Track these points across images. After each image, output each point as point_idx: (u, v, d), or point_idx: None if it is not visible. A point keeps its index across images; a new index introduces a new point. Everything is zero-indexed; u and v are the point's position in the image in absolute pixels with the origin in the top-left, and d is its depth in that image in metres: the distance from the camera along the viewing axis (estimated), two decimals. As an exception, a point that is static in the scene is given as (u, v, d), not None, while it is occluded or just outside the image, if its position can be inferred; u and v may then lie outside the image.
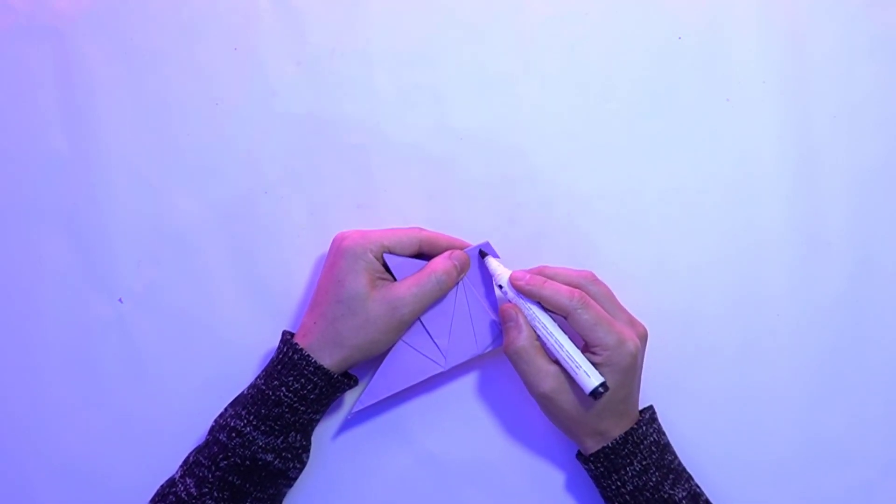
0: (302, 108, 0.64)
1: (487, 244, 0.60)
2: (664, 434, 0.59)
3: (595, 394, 0.54)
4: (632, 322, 0.58)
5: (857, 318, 0.63)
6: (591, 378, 0.54)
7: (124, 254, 0.64)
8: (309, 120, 0.64)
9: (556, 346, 0.55)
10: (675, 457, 0.58)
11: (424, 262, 0.59)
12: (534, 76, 0.64)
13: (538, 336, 0.57)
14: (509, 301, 0.58)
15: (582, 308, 0.55)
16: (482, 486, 0.63)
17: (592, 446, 0.57)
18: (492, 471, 0.63)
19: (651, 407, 0.59)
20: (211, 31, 0.65)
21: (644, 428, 0.57)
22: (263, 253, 0.64)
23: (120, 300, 0.64)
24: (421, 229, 0.60)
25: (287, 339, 0.58)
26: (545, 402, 0.56)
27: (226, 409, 0.59)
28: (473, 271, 0.60)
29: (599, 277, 0.59)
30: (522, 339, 0.56)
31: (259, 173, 0.64)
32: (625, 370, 0.55)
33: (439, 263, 0.58)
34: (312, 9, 0.65)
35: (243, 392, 0.59)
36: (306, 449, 0.59)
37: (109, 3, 0.65)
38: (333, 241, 0.60)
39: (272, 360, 0.58)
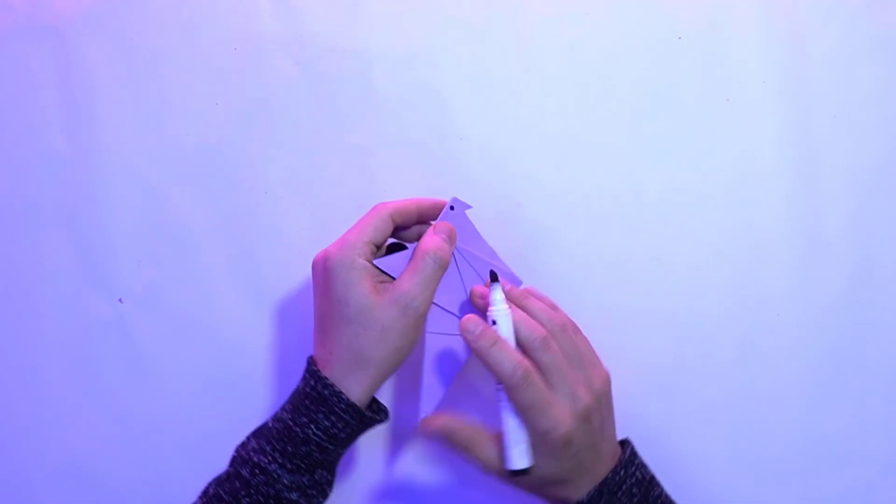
0: (302, 108, 0.64)
1: (455, 199, 0.58)
2: (646, 468, 0.56)
3: (514, 473, 0.52)
4: (589, 379, 0.54)
5: (857, 319, 0.63)
6: (517, 460, 0.52)
7: (124, 254, 0.64)
8: (309, 120, 0.64)
9: (504, 415, 0.53)
10: (661, 489, 0.56)
11: (412, 248, 0.56)
12: (534, 76, 0.64)
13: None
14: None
15: (522, 387, 0.51)
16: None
17: (570, 496, 0.53)
18: (492, 471, 0.63)
19: (627, 442, 0.57)
20: (211, 31, 0.65)
21: (621, 473, 0.54)
22: (263, 253, 0.64)
23: (120, 300, 0.64)
24: (383, 205, 0.56)
25: (314, 370, 0.54)
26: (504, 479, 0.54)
27: (248, 440, 0.55)
28: (458, 231, 0.58)
29: (573, 322, 0.56)
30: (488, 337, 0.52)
31: (259, 173, 0.64)
32: (557, 451, 0.51)
33: (428, 242, 0.55)
34: (312, 9, 0.65)
35: (268, 424, 0.55)
36: (331, 483, 0.56)
37: (109, 3, 0.65)
38: (314, 266, 0.56)
39: (298, 392, 0.54)
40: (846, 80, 0.64)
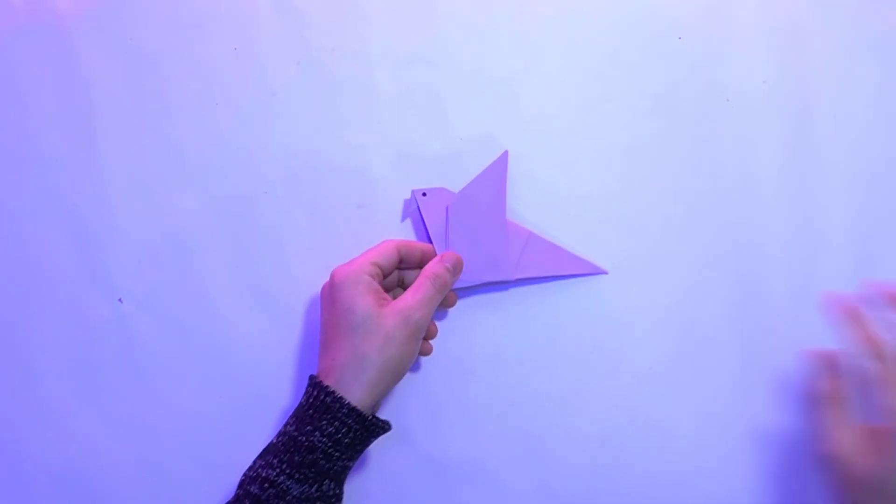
0: (302, 108, 0.64)
1: (415, 192, 0.62)
2: None
3: None
4: None
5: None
6: None
7: (124, 254, 0.64)
8: (309, 120, 0.64)
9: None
10: None
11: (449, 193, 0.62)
12: (534, 76, 0.64)
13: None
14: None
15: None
16: (482, 487, 0.63)
17: None
18: (492, 471, 0.63)
19: None
20: (211, 31, 0.65)
21: None
22: (263, 253, 0.64)
23: (120, 300, 0.64)
24: (391, 240, 0.60)
25: (316, 381, 0.55)
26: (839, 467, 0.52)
27: (254, 462, 0.55)
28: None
29: None
30: (842, 389, 0.53)
31: (259, 173, 0.64)
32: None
33: (431, 267, 0.59)
34: (312, 9, 0.65)
35: (272, 441, 0.56)
36: (339, 498, 0.56)
37: (109, 3, 0.65)
38: (322, 291, 0.59)
39: (301, 405, 0.55)
40: (846, 80, 0.64)
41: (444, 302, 0.61)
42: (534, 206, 0.64)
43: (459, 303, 0.63)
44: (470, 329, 0.63)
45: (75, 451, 0.63)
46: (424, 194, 0.62)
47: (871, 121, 0.64)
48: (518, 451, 0.63)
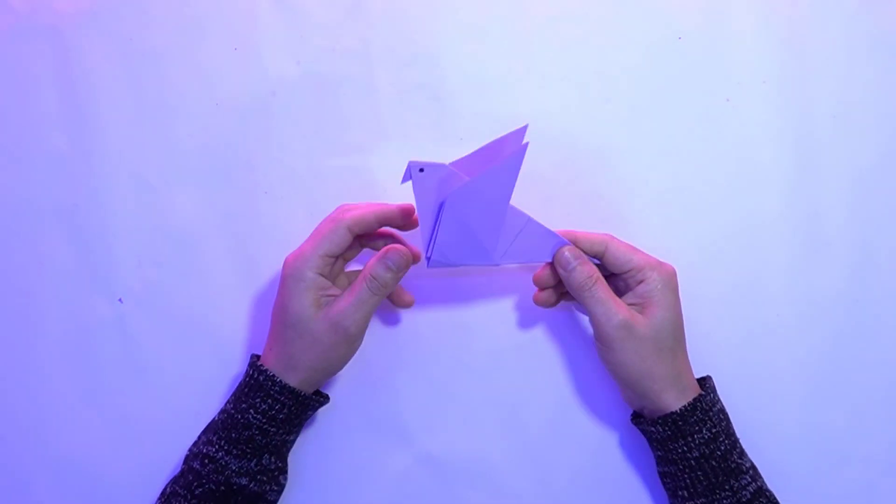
0: (302, 108, 0.64)
1: (412, 163, 0.55)
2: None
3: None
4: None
5: (857, 318, 0.63)
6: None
7: (124, 254, 0.64)
8: (309, 120, 0.64)
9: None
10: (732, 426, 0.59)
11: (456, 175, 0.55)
12: (534, 76, 0.64)
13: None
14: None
15: (616, 241, 0.57)
16: (482, 487, 0.63)
17: (665, 390, 0.56)
18: (492, 471, 0.63)
19: (709, 376, 0.59)
20: (211, 31, 0.65)
21: (711, 395, 0.57)
22: (263, 253, 0.64)
23: (120, 300, 0.64)
24: (342, 214, 0.57)
25: (253, 361, 0.58)
26: (622, 335, 0.55)
27: (199, 437, 0.58)
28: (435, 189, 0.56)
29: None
30: (594, 271, 0.57)
31: (259, 173, 0.64)
32: (673, 288, 0.57)
33: (372, 267, 0.56)
34: (312, 9, 0.65)
35: (214, 418, 0.58)
36: (283, 470, 0.58)
37: (109, 3, 0.65)
38: (282, 267, 0.58)
39: (240, 384, 0.58)
40: (846, 80, 0.64)
41: (398, 302, 0.61)
42: (533, 206, 0.64)
43: (458, 303, 0.63)
44: (469, 329, 0.63)
45: (75, 451, 0.63)
46: (422, 170, 0.55)
47: (870, 121, 0.64)
48: (518, 451, 0.63)
